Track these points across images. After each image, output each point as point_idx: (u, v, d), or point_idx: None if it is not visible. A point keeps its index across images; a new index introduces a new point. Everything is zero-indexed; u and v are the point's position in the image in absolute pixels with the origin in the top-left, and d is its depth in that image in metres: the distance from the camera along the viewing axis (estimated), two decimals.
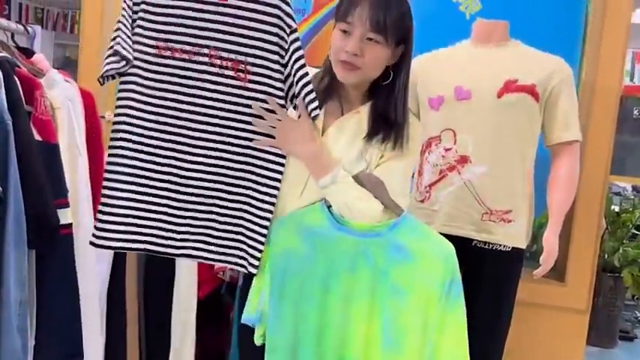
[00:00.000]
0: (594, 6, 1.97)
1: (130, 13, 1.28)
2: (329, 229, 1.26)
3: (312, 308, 1.26)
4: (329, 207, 1.28)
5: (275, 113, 1.27)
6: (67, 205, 1.44)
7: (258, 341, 1.33)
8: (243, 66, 1.25)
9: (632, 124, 6.67)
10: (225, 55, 1.26)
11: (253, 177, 1.30)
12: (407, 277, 1.22)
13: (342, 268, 1.24)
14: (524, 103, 1.64)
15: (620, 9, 1.90)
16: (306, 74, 1.24)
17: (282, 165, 1.29)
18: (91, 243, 1.32)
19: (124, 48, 1.26)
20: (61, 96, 1.53)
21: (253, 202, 1.30)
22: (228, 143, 1.29)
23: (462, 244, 1.69)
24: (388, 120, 1.30)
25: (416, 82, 1.79)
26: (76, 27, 7.46)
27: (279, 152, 1.29)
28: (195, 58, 1.26)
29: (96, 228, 1.31)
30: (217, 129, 1.29)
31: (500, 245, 1.66)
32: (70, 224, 1.44)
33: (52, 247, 1.39)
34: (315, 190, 1.29)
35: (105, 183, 1.31)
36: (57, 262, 1.40)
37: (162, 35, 1.26)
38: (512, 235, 1.66)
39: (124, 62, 1.26)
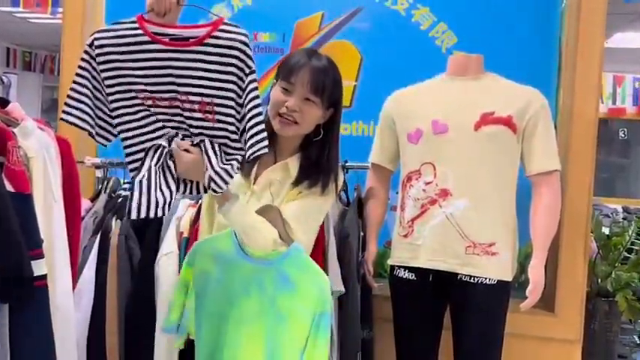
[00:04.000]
0: (567, 35, 1.99)
1: (91, 69, 1.32)
2: (234, 254, 1.40)
3: (212, 329, 1.42)
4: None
5: (188, 151, 1.34)
6: (41, 256, 1.41)
7: (178, 347, 1.52)
8: (210, 107, 1.30)
9: (618, 145, 6.77)
10: (193, 98, 1.31)
11: None
12: (289, 305, 1.36)
13: (240, 292, 1.39)
14: (502, 135, 1.64)
15: (592, 36, 1.93)
16: (259, 114, 1.29)
17: None
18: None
19: (78, 117, 1.33)
20: (36, 145, 1.51)
21: None
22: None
23: (447, 278, 1.68)
24: (319, 166, 1.46)
25: (392, 117, 1.79)
26: None
27: None
28: (175, 103, 1.32)
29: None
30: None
31: (486, 279, 1.64)
32: (45, 275, 1.40)
33: (26, 301, 1.36)
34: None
35: None
36: (31, 317, 1.36)
37: (138, 87, 1.32)
38: (498, 268, 1.65)
39: (86, 127, 1.34)
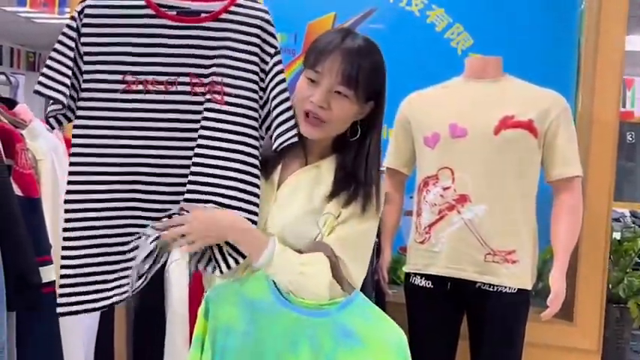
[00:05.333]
0: (587, 37, 1.95)
1: (73, 46, 1.13)
2: (272, 302, 1.12)
3: None
4: None
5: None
6: (50, 262, 1.38)
7: None
8: (219, 87, 1.13)
9: (626, 149, 6.71)
10: (205, 80, 1.14)
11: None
12: None
13: (283, 349, 1.11)
14: (523, 139, 1.60)
15: (613, 38, 1.88)
16: (287, 99, 1.14)
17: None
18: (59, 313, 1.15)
19: (57, 91, 1.10)
20: (44, 147, 1.49)
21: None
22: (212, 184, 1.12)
23: (465, 286, 1.64)
24: (357, 179, 1.18)
25: (408, 120, 1.75)
26: None
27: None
28: (173, 88, 1.13)
29: (60, 295, 1.14)
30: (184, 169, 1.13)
31: (505, 287, 1.60)
32: (53, 282, 1.37)
33: (34, 309, 1.32)
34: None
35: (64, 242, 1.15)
36: (39, 325, 1.33)
37: (128, 68, 1.13)
38: (518, 276, 1.60)
39: (59, 105, 1.12)
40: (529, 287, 1.63)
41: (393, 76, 2.06)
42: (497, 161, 1.60)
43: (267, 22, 1.14)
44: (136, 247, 1.16)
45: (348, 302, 1.12)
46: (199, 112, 1.13)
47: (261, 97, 1.15)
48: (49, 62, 1.13)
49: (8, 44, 7.76)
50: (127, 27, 1.13)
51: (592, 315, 1.88)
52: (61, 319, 1.39)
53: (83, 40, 1.13)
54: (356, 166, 1.19)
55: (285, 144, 1.14)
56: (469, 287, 1.63)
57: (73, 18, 1.14)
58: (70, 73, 1.11)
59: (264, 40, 1.14)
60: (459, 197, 1.62)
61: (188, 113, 1.14)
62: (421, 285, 1.69)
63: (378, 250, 1.77)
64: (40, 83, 1.11)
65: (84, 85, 1.13)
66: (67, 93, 1.11)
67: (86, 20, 1.12)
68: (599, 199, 1.88)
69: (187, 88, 1.14)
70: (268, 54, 1.14)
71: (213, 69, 1.13)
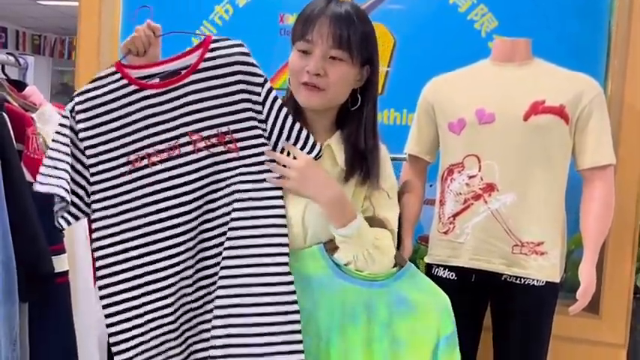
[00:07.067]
0: (618, 18, 1.86)
1: (71, 138, 1.11)
2: (330, 276, 1.17)
3: None
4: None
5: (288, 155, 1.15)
6: (63, 251, 1.33)
7: None
8: (230, 136, 1.13)
9: None
10: (206, 133, 1.13)
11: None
12: (408, 329, 1.19)
13: (342, 320, 1.17)
14: (554, 125, 1.53)
15: None
16: (294, 121, 1.15)
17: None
18: None
19: (56, 185, 1.09)
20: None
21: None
22: (238, 227, 1.13)
23: (489, 278, 1.58)
24: (358, 150, 1.19)
25: (432, 105, 1.68)
26: (73, 53, 7.43)
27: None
28: (176, 152, 1.13)
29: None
30: (222, 219, 1.14)
31: (533, 280, 1.54)
32: (66, 272, 1.32)
33: (47, 300, 1.27)
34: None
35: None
36: (52, 316, 1.28)
37: (131, 148, 1.12)
38: (546, 269, 1.54)
39: (62, 202, 1.11)
40: (557, 280, 1.57)
41: (414, 58, 2.02)
42: (526, 148, 1.53)
43: (244, 54, 1.14)
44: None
45: (403, 273, 1.21)
46: (208, 167, 1.13)
47: (264, 130, 1.15)
48: (45, 161, 1.11)
49: (14, 27, 7.68)
50: (118, 110, 1.12)
51: (619, 308, 1.82)
52: (75, 311, 1.35)
53: (81, 135, 1.12)
54: (357, 137, 1.19)
55: (316, 150, 1.15)
56: (495, 279, 1.57)
57: (64, 116, 1.13)
58: (68, 167, 1.10)
59: (248, 74, 1.13)
60: (485, 186, 1.56)
61: (197, 172, 1.13)
62: (444, 277, 1.63)
63: (398, 240, 1.71)
64: (38, 182, 1.10)
65: (92, 179, 1.13)
66: (67, 187, 1.09)
67: (79, 117, 1.12)
68: (628, 189, 1.81)
69: (190, 148, 1.13)
70: (258, 84, 1.14)
71: (214, 121, 1.13)
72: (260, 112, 1.14)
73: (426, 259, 1.70)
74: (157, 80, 1.13)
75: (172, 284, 1.12)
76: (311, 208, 1.16)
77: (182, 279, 1.13)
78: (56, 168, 1.09)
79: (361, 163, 1.19)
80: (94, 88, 1.12)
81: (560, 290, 1.62)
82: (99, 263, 1.11)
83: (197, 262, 1.15)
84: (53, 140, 1.12)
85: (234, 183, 1.14)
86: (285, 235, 1.14)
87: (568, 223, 1.61)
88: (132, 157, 1.12)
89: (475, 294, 1.62)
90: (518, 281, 1.55)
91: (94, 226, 1.13)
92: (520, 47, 1.63)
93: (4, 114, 1.25)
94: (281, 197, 1.15)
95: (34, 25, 7.69)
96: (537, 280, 1.54)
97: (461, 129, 1.60)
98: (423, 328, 1.19)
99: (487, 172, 1.55)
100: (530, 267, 1.53)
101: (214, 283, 1.14)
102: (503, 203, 1.54)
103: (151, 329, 1.11)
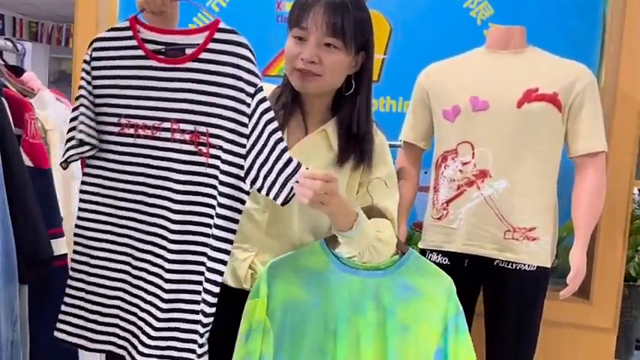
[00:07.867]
0: (612, 7, 1.87)
1: (90, 89, 1.16)
2: (333, 271, 1.19)
3: (322, 358, 1.18)
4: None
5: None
6: (61, 235, 1.35)
7: None
8: (204, 138, 1.08)
9: None
10: (184, 127, 1.10)
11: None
12: (414, 314, 1.20)
13: (349, 312, 1.19)
14: (547, 113, 1.54)
15: None
16: (280, 141, 1.04)
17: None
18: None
19: (87, 134, 1.16)
20: (53, 116, 1.44)
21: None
22: (189, 232, 1.12)
23: (483, 263, 1.60)
24: (351, 134, 1.20)
25: (427, 92, 1.69)
26: (70, 40, 7.39)
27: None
28: (159, 134, 1.12)
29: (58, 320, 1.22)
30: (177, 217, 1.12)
31: (525, 265, 1.56)
32: (65, 255, 1.34)
33: (46, 282, 1.29)
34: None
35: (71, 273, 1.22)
36: (51, 298, 1.30)
37: (123, 111, 1.14)
38: (538, 254, 1.56)
39: (87, 147, 1.17)
40: (548, 265, 1.59)
41: (409, 46, 2.03)
42: (519, 135, 1.55)
43: (245, 58, 1.06)
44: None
45: (405, 260, 1.22)
46: (181, 162, 1.11)
47: (243, 146, 1.06)
48: (80, 106, 1.17)
49: (10, 14, 7.64)
50: (124, 69, 1.14)
51: (609, 294, 1.85)
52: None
53: (94, 73, 1.16)
54: (351, 122, 1.20)
55: (290, 199, 1.05)
56: (487, 264, 1.60)
57: (85, 61, 1.17)
58: (92, 120, 1.17)
59: (240, 79, 1.06)
60: (478, 172, 1.58)
61: (171, 161, 1.12)
62: (437, 262, 1.65)
63: None
64: (81, 132, 1.16)
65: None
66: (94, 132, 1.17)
67: (94, 63, 1.16)
68: (620, 177, 1.83)
69: (168, 135, 1.12)
70: (248, 94, 1.05)
71: (196, 117, 1.09)
72: (243, 125, 1.06)
73: (420, 245, 1.72)
74: (162, 50, 1.12)
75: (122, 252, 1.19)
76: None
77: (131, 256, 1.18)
78: (87, 121, 1.16)
79: (355, 148, 1.20)
80: (109, 38, 1.15)
81: (551, 276, 1.65)
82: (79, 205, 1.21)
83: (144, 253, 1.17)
84: (81, 94, 1.17)
85: (191, 192, 1.10)
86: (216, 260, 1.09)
87: (560, 210, 1.64)
88: (122, 120, 1.14)
89: (468, 280, 1.64)
90: (510, 266, 1.58)
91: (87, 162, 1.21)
92: (515, 35, 1.64)
93: (3, 99, 1.26)
94: (236, 221, 1.08)
95: (31, 12, 7.64)
96: (529, 265, 1.56)
97: (455, 116, 1.62)
98: (429, 312, 1.20)
99: (480, 158, 1.57)
100: (521, 252, 1.56)
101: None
102: (495, 189, 1.56)
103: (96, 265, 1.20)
